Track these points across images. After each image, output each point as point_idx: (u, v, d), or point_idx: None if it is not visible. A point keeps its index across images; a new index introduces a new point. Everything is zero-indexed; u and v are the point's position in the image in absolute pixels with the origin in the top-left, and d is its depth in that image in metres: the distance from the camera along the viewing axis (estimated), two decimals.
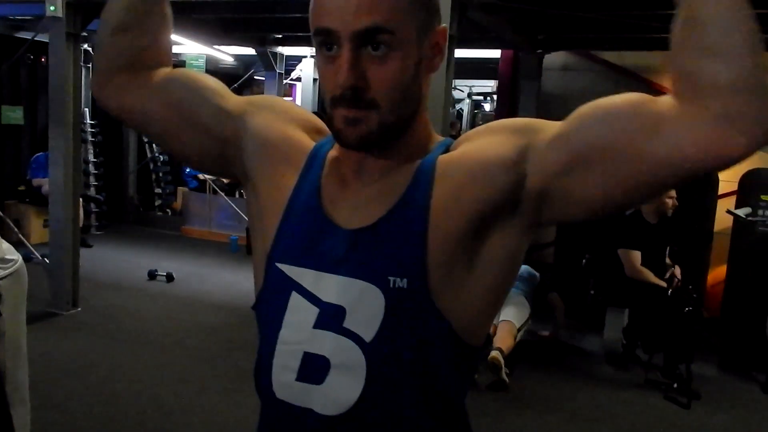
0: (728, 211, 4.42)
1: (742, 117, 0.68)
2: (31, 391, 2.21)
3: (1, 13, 5.92)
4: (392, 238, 0.82)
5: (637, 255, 4.07)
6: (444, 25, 0.86)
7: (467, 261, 0.82)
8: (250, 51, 7.09)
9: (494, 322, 3.53)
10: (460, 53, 4.21)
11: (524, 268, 4.36)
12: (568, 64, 5.96)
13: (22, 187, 6.76)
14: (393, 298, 0.81)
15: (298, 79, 8.14)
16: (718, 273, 4.95)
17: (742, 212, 4.28)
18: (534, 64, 5.81)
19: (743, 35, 0.68)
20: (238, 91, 7.94)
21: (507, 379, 3.71)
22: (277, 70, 7.06)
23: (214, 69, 8.21)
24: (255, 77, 8.48)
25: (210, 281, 5.77)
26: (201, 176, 8.05)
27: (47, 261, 4.76)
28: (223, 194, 7.70)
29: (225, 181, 7.43)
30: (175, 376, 3.69)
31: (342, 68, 0.77)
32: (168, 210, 8.47)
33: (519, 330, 3.95)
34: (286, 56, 7.19)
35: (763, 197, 4.28)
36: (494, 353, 3.63)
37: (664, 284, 4.08)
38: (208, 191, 7.87)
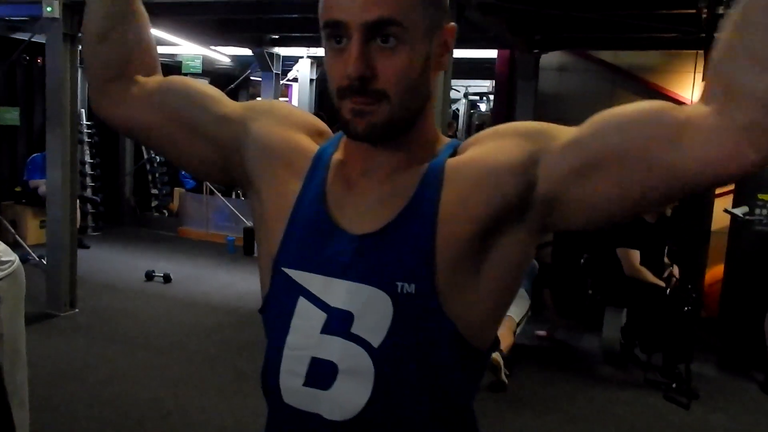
0: (725, 210, 4.42)
1: (764, 132, 0.67)
2: (28, 392, 2.20)
3: None
4: (400, 243, 0.82)
5: (636, 254, 4.07)
6: (453, 23, 0.85)
7: (475, 265, 0.82)
8: (246, 52, 7.07)
9: None
10: (456, 53, 4.20)
11: None
12: (564, 64, 5.96)
13: (18, 188, 6.76)
14: (401, 304, 0.80)
15: (295, 80, 8.12)
16: (715, 272, 4.96)
17: (739, 211, 4.29)
18: (531, 64, 5.81)
19: None
20: (235, 92, 7.96)
21: (506, 380, 3.72)
22: (274, 71, 7.04)
23: (210, 70, 8.20)
24: (251, 78, 8.45)
25: (207, 282, 5.74)
26: None
27: (44, 262, 4.75)
28: (220, 195, 7.68)
29: None
30: (174, 377, 3.67)
31: (351, 58, 0.77)
32: (165, 211, 8.45)
33: (518, 324, 3.95)
34: (283, 57, 7.19)
35: (760, 196, 4.28)
36: (494, 354, 3.63)
37: (662, 284, 4.08)
38: (205, 192, 7.85)
